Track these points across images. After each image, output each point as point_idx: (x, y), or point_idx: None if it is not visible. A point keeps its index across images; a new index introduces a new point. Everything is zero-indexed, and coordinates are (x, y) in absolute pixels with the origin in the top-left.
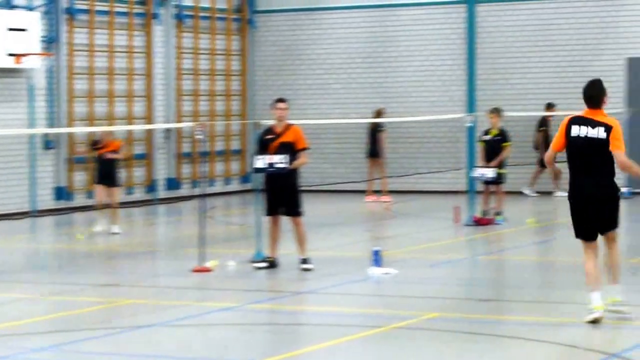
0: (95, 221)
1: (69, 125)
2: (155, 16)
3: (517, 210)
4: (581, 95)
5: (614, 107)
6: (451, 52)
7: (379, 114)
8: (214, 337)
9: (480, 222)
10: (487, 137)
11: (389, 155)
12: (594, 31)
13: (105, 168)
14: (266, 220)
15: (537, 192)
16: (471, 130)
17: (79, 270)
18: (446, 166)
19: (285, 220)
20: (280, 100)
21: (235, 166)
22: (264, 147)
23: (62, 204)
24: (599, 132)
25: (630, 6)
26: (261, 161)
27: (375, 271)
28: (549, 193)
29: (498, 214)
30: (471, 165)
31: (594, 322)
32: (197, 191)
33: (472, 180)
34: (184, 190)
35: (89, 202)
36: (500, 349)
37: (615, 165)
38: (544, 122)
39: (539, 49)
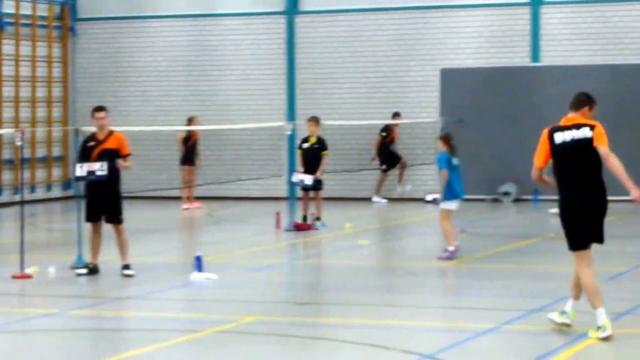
0: None
1: None
2: None
3: (335, 215)
4: (392, 105)
5: (429, 117)
6: (271, 62)
7: (190, 121)
8: (34, 344)
9: (300, 228)
10: (306, 145)
11: (211, 162)
12: (409, 42)
13: None
14: (88, 226)
15: (385, 198)
16: (291, 138)
17: None
18: (267, 173)
19: (107, 227)
20: (98, 109)
21: (56, 173)
22: (86, 154)
23: None
24: (585, 133)
25: (443, 18)
26: (80, 169)
27: (197, 276)
28: (367, 199)
29: (317, 219)
30: (291, 172)
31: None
32: (18, 197)
33: (292, 187)
34: (5, 197)
35: None
36: (317, 352)
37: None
38: (385, 129)
39: (356, 59)
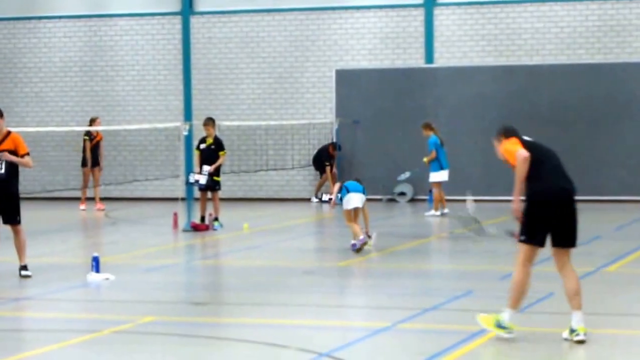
0: None
1: None
2: None
3: (233, 216)
4: (288, 106)
5: (325, 118)
6: (167, 62)
7: (92, 122)
8: None
9: (198, 228)
10: (204, 146)
11: (108, 162)
12: (304, 43)
13: None
14: None
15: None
16: (188, 139)
17: None
18: (165, 174)
19: (4, 227)
20: None
21: None
22: None
23: None
24: None
25: (338, 20)
26: None
27: (95, 277)
28: (267, 200)
29: (215, 219)
30: (188, 173)
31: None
32: None
33: (190, 188)
34: None
35: None
36: (214, 351)
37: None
38: (327, 150)
39: (252, 60)
